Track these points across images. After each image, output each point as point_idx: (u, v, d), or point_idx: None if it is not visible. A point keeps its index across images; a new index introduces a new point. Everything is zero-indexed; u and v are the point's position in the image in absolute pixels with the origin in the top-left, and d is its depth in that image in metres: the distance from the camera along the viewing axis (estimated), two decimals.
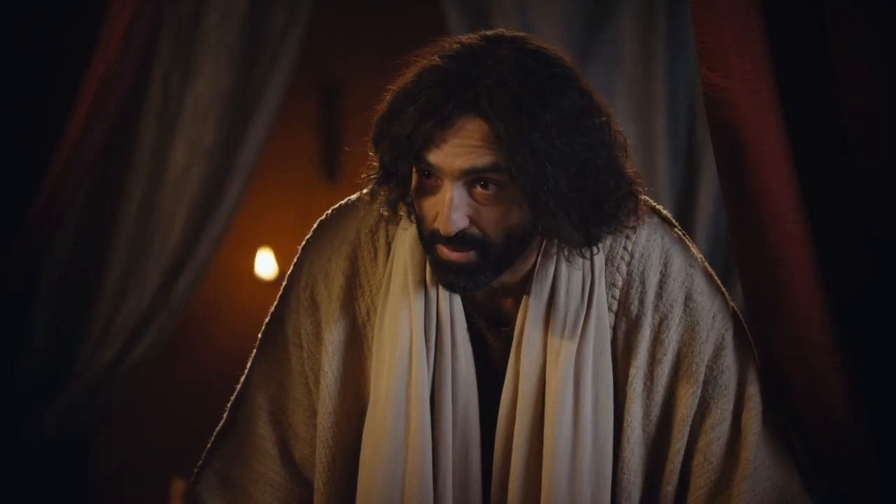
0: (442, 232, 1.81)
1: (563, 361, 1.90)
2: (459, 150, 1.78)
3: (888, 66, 1.91)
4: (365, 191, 1.96)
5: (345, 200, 2.05)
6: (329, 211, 2.06)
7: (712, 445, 1.95)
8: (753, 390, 1.96)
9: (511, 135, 1.76)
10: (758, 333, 2.00)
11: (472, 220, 1.82)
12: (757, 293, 2.00)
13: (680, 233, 2.00)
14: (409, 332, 1.94)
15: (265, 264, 4.68)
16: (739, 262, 2.02)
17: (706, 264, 2.00)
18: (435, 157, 1.79)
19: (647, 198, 1.98)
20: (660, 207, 2.01)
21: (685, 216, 3.33)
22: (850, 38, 1.91)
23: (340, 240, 2.02)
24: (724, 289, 1.99)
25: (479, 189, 1.81)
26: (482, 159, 1.78)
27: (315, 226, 2.07)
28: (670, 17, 3.37)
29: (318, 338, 2.03)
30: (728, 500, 1.95)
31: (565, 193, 1.79)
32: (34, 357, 3.27)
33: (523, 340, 1.92)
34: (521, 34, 1.85)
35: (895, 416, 1.99)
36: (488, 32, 1.85)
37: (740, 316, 2.00)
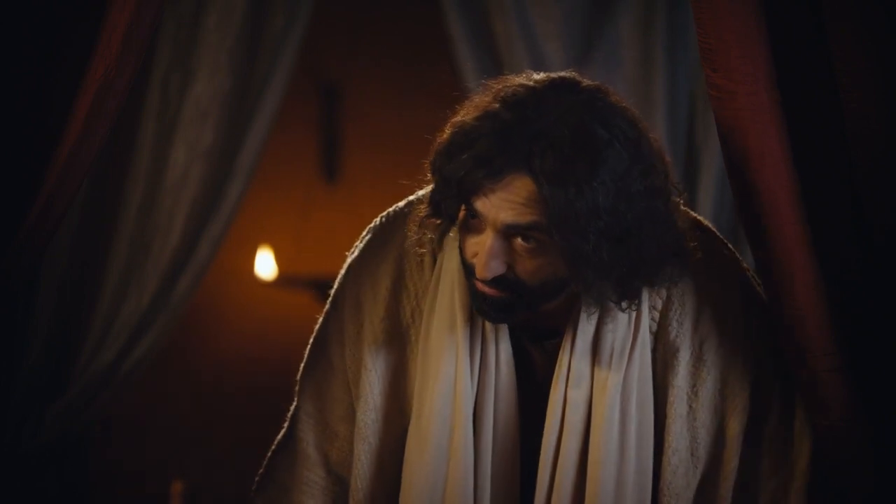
0: (477, 276, 1.84)
1: (611, 389, 1.92)
2: (504, 203, 1.80)
3: (888, 66, 1.91)
4: (414, 197, 2.01)
5: (393, 207, 2.07)
6: (378, 218, 2.08)
7: (768, 458, 1.98)
8: (798, 399, 1.98)
9: (556, 200, 1.76)
10: None
11: (510, 267, 1.84)
12: None
13: (722, 244, 2.00)
14: (456, 349, 1.95)
15: (265, 264, 4.69)
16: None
17: (749, 275, 1.99)
18: (481, 206, 1.81)
19: (687, 209, 1.97)
20: (701, 219, 2.01)
21: None
22: (850, 38, 1.91)
23: (388, 245, 2.03)
24: (764, 299, 1.98)
25: (519, 241, 1.82)
26: (524, 217, 1.80)
27: (364, 232, 2.09)
28: (670, 18, 3.37)
29: (360, 336, 2.04)
30: None
31: (605, 262, 1.79)
32: (34, 358, 3.27)
33: (572, 368, 1.93)
34: (596, 85, 1.84)
35: (895, 416, 1.99)
36: (559, 77, 1.84)
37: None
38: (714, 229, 2.02)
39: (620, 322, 1.92)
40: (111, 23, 2.04)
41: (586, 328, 1.93)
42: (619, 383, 1.91)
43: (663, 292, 1.94)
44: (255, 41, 3.41)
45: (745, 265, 2.01)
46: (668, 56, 3.37)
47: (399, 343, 2.04)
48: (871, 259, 1.95)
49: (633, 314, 1.92)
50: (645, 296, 1.92)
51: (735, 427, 1.96)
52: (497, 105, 1.81)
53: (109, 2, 2.04)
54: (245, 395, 4.52)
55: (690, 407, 1.95)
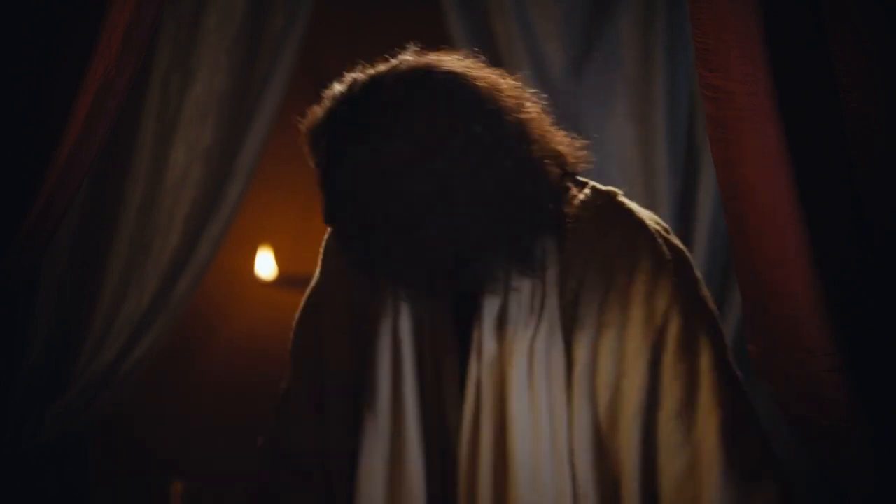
0: None
1: (517, 362, 1.98)
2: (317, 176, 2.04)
3: (888, 66, 1.91)
4: None
5: None
6: None
7: (671, 438, 1.97)
8: (710, 378, 1.98)
9: (328, 183, 1.99)
10: (756, 335, 2.00)
11: None
12: (755, 295, 2.00)
13: (639, 224, 2.05)
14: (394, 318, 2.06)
15: (265, 264, 4.68)
16: (738, 263, 2.02)
17: (668, 256, 2.03)
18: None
19: (597, 186, 2.07)
20: (617, 195, 2.07)
21: (685, 217, 3.33)
22: (850, 38, 1.91)
23: None
24: (684, 266, 2.03)
25: None
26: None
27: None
28: (670, 18, 3.37)
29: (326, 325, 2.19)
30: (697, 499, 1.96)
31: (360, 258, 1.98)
32: (34, 358, 3.27)
33: (482, 343, 2.01)
34: (427, 67, 1.97)
35: (895, 416, 1.98)
36: (396, 70, 1.98)
37: (701, 297, 2.03)
38: (633, 208, 2.07)
39: (524, 297, 2.00)
40: (111, 23, 2.04)
41: (492, 301, 2.00)
42: (523, 358, 1.98)
43: (576, 270, 2.00)
44: (255, 41, 3.41)
45: (665, 248, 2.04)
46: (668, 56, 3.36)
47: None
48: (871, 259, 1.95)
49: (538, 290, 1.99)
50: (553, 273, 2.00)
51: (630, 407, 1.98)
52: (336, 96, 2.02)
53: (109, 2, 2.04)
54: (245, 395, 4.52)
55: (591, 385, 1.99)
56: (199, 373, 4.53)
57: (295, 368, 2.21)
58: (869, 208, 1.93)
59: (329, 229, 2.17)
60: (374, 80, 1.97)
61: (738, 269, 2.03)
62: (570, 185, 2.06)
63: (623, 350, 1.99)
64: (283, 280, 4.59)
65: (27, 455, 3.29)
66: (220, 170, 3.40)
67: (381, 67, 1.99)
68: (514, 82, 2.03)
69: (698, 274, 2.07)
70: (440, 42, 3.51)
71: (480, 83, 1.96)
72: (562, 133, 2.05)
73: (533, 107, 2.01)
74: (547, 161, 1.99)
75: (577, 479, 1.98)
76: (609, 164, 3.32)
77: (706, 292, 2.06)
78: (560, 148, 2.02)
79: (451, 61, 2.00)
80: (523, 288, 2.00)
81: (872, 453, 1.98)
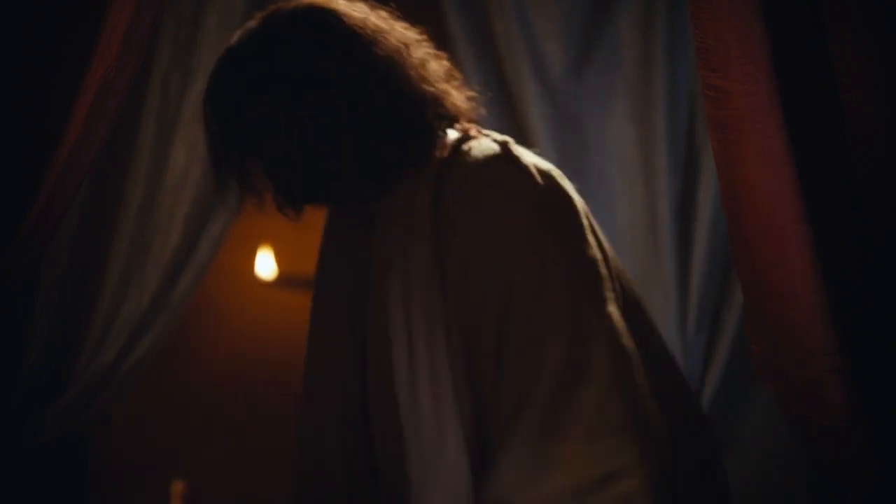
0: None
1: (392, 289, 2.03)
2: None
3: (888, 66, 1.91)
4: None
5: None
6: None
7: (507, 367, 1.97)
8: (559, 339, 1.95)
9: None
10: (756, 335, 2.00)
11: None
12: (756, 295, 2.00)
13: (518, 160, 2.05)
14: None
15: (265, 264, 4.69)
16: (738, 263, 2.03)
17: (547, 186, 2.03)
18: None
19: (495, 136, 2.10)
20: (497, 139, 2.09)
21: (685, 217, 3.33)
22: (850, 38, 1.91)
23: None
24: (552, 205, 2.02)
25: None
26: None
27: None
28: (670, 18, 3.37)
29: None
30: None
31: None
32: (34, 358, 3.27)
33: (372, 268, 2.09)
34: (305, 5, 2.08)
35: (895, 416, 1.99)
36: (285, 7, 2.10)
37: (561, 233, 2.01)
38: (520, 154, 2.07)
39: (398, 226, 2.05)
40: (111, 23, 2.04)
41: (377, 226, 2.08)
42: (399, 284, 2.02)
43: (450, 208, 2.02)
44: None
45: (534, 188, 2.03)
46: (668, 56, 3.36)
47: None
48: (871, 259, 1.95)
49: (410, 222, 2.04)
50: (425, 209, 2.03)
51: (485, 339, 1.97)
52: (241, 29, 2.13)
53: (109, 2, 2.05)
54: (245, 395, 4.52)
55: (457, 319, 2.00)
56: (199, 372, 4.53)
57: None
58: (869, 208, 1.93)
59: None
60: (268, 15, 2.09)
61: (738, 269, 2.03)
62: (470, 133, 2.11)
63: (479, 288, 1.98)
64: (283, 280, 4.59)
65: (27, 455, 3.29)
66: None
67: (280, 5, 2.10)
68: (407, 31, 2.17)
69: (582, 220, 2.04)
70: (440, 42, 3.51)
71: (353, 21, 2.06)
72: (455, 84, 2.14)
73: (422, 53, 2.13)
74: (422, 103, 2.06)
75: (462, 411, 1.98)
76: (609, 164, 3.32)
77: (571, 229, 2.03)
78: (443, 94, 2.10)
79: (340, 3, 2.09)
80: (396, 217, 2.06)
81: (872, 453, 1.98)
